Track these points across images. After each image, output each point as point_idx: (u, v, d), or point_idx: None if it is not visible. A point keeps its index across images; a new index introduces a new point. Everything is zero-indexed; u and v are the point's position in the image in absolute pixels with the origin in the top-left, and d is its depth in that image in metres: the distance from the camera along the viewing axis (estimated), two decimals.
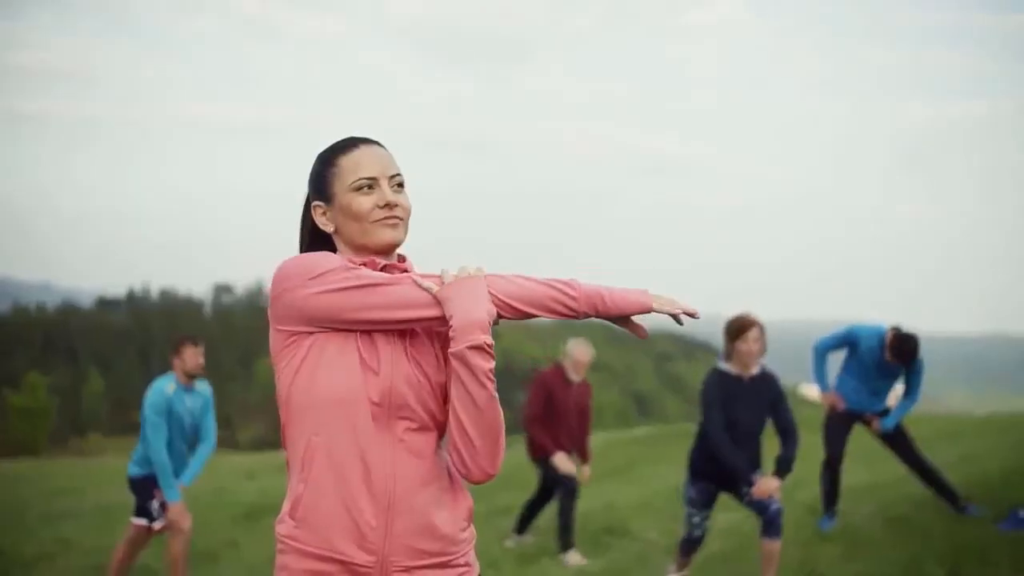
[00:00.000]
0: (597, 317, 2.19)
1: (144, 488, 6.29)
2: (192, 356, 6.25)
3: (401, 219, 2.20)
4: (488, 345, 2.06)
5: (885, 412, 7.11)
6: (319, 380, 2.10)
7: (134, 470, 6.35)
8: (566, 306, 2.15)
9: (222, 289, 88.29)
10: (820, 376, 7.18)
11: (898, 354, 6.79)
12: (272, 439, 40.98)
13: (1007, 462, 8.73)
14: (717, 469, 5.45)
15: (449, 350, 2.08)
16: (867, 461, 9.23)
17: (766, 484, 5.31)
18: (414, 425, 2.14)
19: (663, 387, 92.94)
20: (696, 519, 5.63)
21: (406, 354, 2.14)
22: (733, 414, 5.43)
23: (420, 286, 2.10)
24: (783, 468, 5.42)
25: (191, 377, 6.28)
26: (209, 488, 12.52)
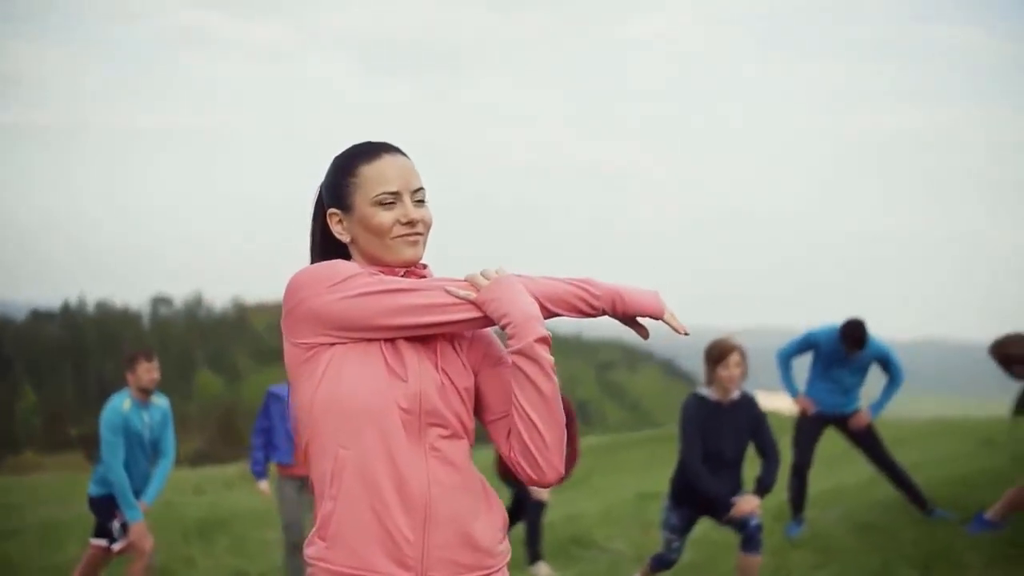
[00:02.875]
0: (612, 316, 2.14)
1: (104, 508, 6.09)
2: (146, 371, 6.06)
3: (422, 235, 2.12)
4: (550, 338, 2.00)
5: (854, 413, 7.12)
6: (344, 390, 2.00)
7: (94, 490, 6.15)
8: (589, 304, 2.10)
9: (160, 301, 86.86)
10: (788, 383, 7.20)
11: (851, 341, 6.87)
12: (213, 454, 40.31)
13: (966, 467, 8.84)
14: (697, 496, 5.39)
15: (511, 348, 2.00)
16: (830, 466, 9.29)
17: (746, 503, 5.26)
18: (446, 432, 2.05)
19: (604, 396, 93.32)
20: (675, 544, 5.57)
21: (432, 360, 2.06)
22: (716, 442, 5.35)
23: (448, 290, 2.02)
24: (763, 488, 5.37)
25: (146, 392, 6.09)
26: (157, 504, 12.23)
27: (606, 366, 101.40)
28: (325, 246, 2.19)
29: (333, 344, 2.01)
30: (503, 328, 2.01)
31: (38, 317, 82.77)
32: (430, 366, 2.05)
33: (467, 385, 2.10)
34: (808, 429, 7.18)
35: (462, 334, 2.13)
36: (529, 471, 2.05)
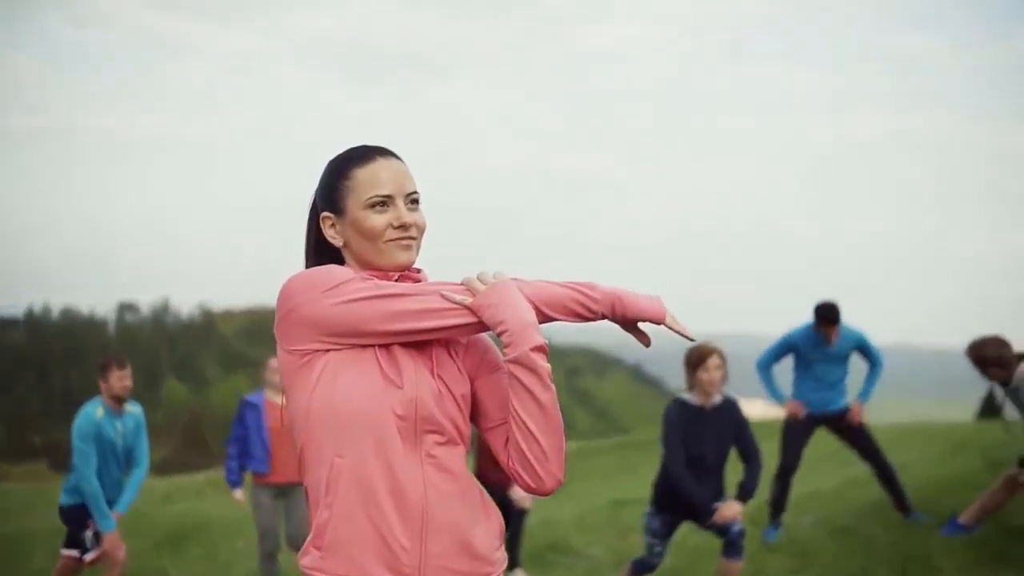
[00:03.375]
0: (611, 320, 2.12)
1: (76, 518, 6.00)
2: (118, 379, 5.98)
3: (415, 239, 2.09)
4: (547, 346, 1.98)
5: (845, 410, 7.13)
6: (339, 397, 1.96)
7: (65, 499, 6.06)
8: (588, 308, 2.08)
9: (126, 308, 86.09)
10: (772, 389, 7.19)
11: (825, 320, 6.89)
12: (180, 462, 40.00)
13: (938, 470, 8.90)
14: (680, 502, 5.38)
15: (507, 357, 1.97)
16: (805, 470, 9.30)
17: (728, 509, 5.25)
18: (442, 439, 2.02)
19: (573, 402, 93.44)
20: (657, 548, 5.56)
21: (428, 366, 2.04)
22: (699, 447, 5.34)
23: (444, 295, 2.00)
24: (746, 494, 5.36)
25: (119, 400, 6.01)
26: (126, 513, 12.10)
27: (574, 372, 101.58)
28: (319, 250, 2.17)
29: (328, 350, 1.98)
30: (499, 335, 1.99)
31: (2, 325, 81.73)
32: (426, 372, 2.02)
33: (463, 392, 2.07)
34: (797, 432, 7.17)
35: (458, 340, 2.11)
36: (528, 480, 2.02)
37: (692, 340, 2.17)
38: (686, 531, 7.39)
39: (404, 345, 2.02)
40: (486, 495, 2.12)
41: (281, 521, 6.84)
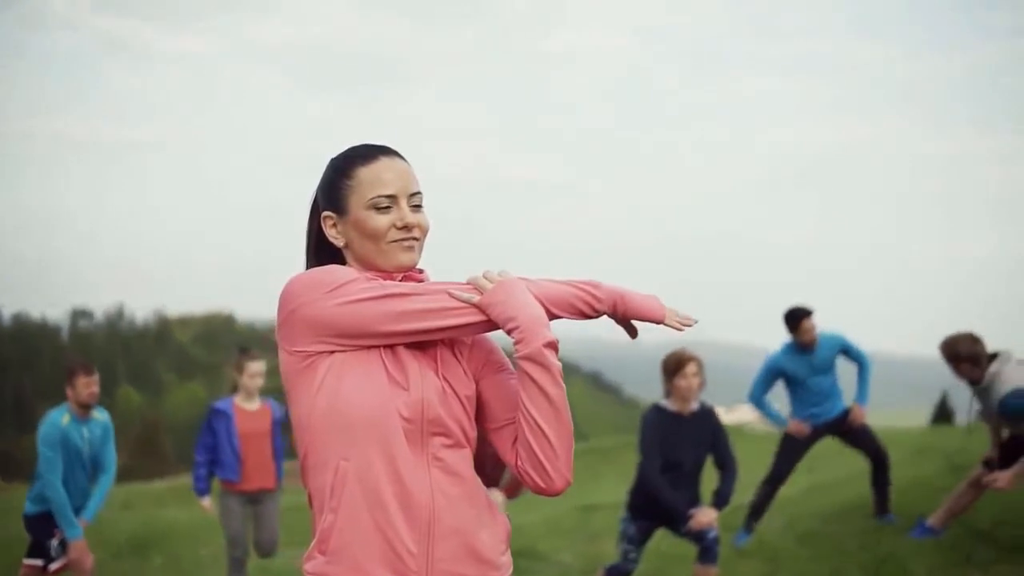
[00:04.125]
0: (611, 317, 2.12)
1: (41, 526, 5.89)
2: (85, 385, 5.88)
3: (418, 240, 2.06)
4: (558, 343, 1.96)
5: (845, 413, 7.12)
6: (344, 399, 1.93)
7: (30, 508, 5.95)
8: (591, 306, 2.07)
9: (80, 314, 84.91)
10: (772, 416, 7.20)
11: (796, 321, 6.93)
12: (136, 469, 39.44)
13: (900, 474, 8.97)
14: (656, 508, 5.39)
15: (519, 353, 1.94)
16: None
17: (704, 515, 5.27)
18: (449, 442, 1.99)
19: None
20: (633, 555, 5.57)
21: (433, 368, 2.01)
22: (676, 453, 5.35)
23: (451, 293, 1.98)
24: (721, 501, 5.38)
25: (86, 407, 5.92)
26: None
27: None
28: (319, 250, 2.14)
29: (332, 352, 1.95)
30: (509, 333, 1.96)
31: None
32: (431, 373, 2.00)
33: (469, 393, 2.05)
34: (796, 444, 7.16)
35: (462, 340, 2.09)
36: (537, 479, 1.99)
37: (695, 323, 2.15)
38: (658, 536, 7.42)
39: (409, 346, 2.00)
40: (492, 500, 2.09)
41: (249, 527, 6.76)
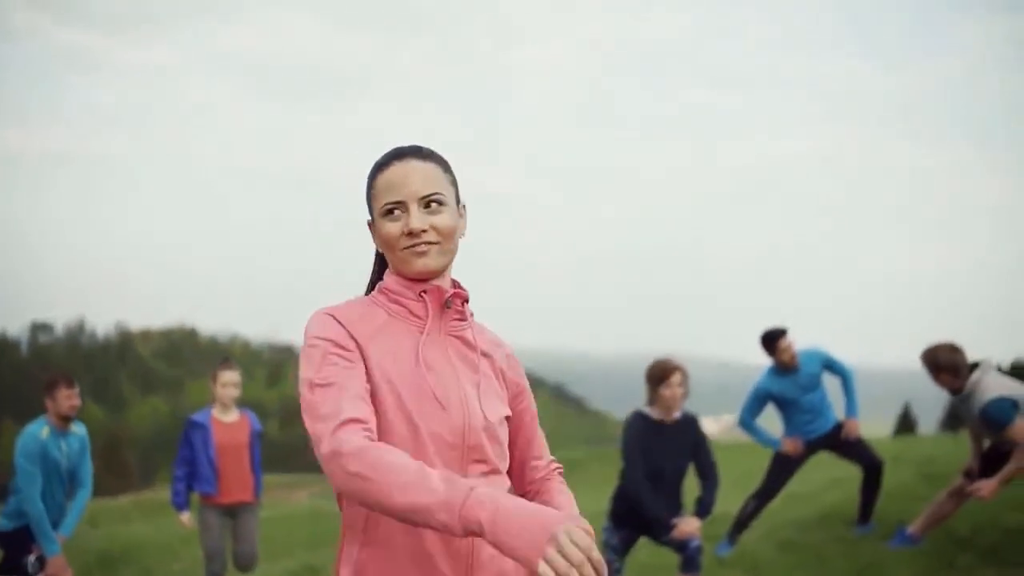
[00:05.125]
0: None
1: (18, 542, 5.79)
2: (66, 398, 5.81)
3: (434, 243, 1.96)
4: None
5: (837, 427, 7.14)
6: (383, 427, 1.87)
7: (5, 523, 5.84)
8: (435, 526, 1.69)
9: (40, 328, 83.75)
10: (765, 439, 7.18)
11: (770, 348, 6.97)
12: (100, 485, 38.91)
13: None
14: (639, 517, 5.39)
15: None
16: (744, 487, 9.40)
17: (687, 525, 5.27)
18: (487, 469, 1.95)
19: None
20: (616, 565, 5.57)
21: (476, 390, 1.97)
22: (658, 461, 5.35)
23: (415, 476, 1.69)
24: (704, 510, 5.39)
25: (66, 420, 5.84)
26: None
27: None
28: (379, 258, 2.14)
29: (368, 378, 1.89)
30: None
31: None
32: (474, 396, 1.95)
33: (506, 414, 2.02)
34: (790, 461, 7.15)
35: (500, 364, 2.06)
36: None
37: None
38: (639, 546, 7.43)
39: (449, 365, 1.96)
40: None
41: (228, 541, 6.69)
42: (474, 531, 1.62)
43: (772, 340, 6.97)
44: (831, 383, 7.25)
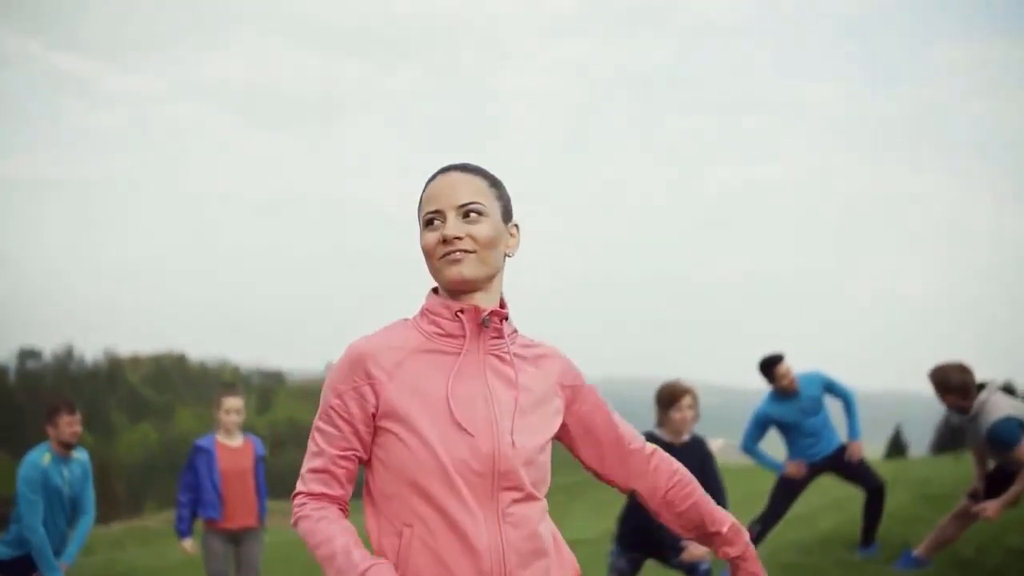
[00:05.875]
0: None
1: (18, 571, 5.74)
2: (68, 424, 5.79)
3: (469, 251, 1.93)
4: None
5: (840, 449, 7.13)
6: (405, 459, 1.88)
7: (5, 552, 5.79)
8: None
9: (28, 354, 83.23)
10: (767, 463, 7.20)
11: (769, 375, 6.98)
12: None
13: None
14: (646, 539, 5.37)
15: None
16: (745, 509, 9.39)
17: (697, 548, 5.25)
18: (520, 495, 1.92)
19: None
20: None
21: (511, 411, 1.94)
22: None
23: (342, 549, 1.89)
24: None
25: (68, 447, 5.82)
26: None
27: None
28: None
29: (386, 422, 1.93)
30: None
31: None
32: (506, 420, 1.92)
33: (548, 436, 2.00)
34: (794, 484, 7.16)
35: (552, 375, 2.04)
36: None
37: None
38: (645, 568, 7.40)
39: (480, 390, 1.93)
40: (559, 539, 2.03)
41: (231, 566, 6.64)
42: None
43: (770, 366, 6.99)
44: (833, 405, 7.26)
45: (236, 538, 6.57)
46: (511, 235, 2.03)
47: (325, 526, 1.88)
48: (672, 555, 5.30)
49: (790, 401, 7.01)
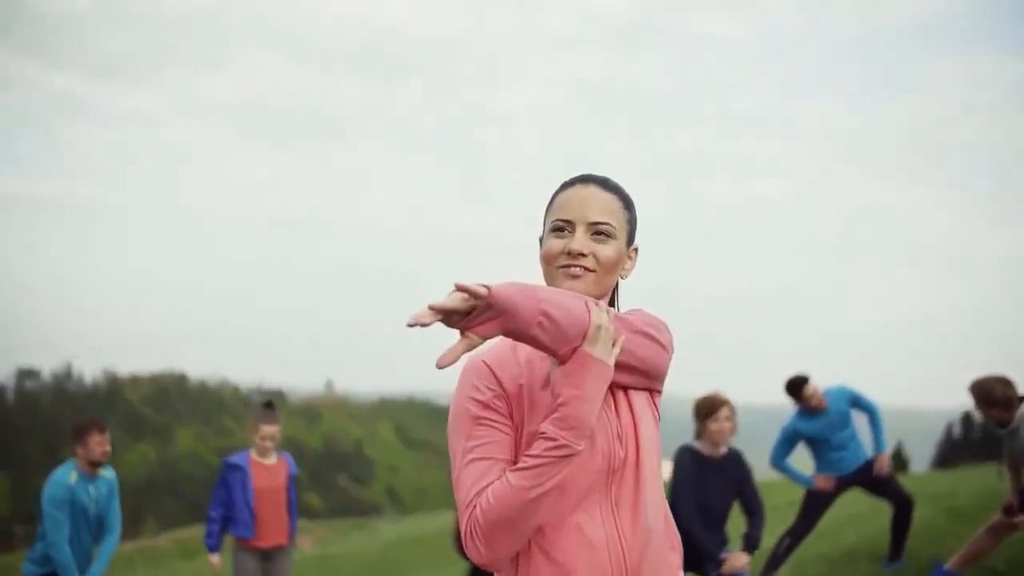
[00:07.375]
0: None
1: None
2: (98, 444, 5.76)
3: (589, 269, 1.93)
4: None
5: (869, 463, 7.12)
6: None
7: (31, 569, 5.76)
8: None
9: (26, 374, 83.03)
10: (797, 477, 7.20)
11: (796, 396, 6.98)
12: None
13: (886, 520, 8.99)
14: (686, 550, 5.33)
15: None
16: (770, 523, 9.34)
17: (736, 559, 5.23)
18: (630, 483, 1.89)
19: None
20: None
21: (628, 404, 1.92)
22: (705, 495, 5.33)
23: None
24: (751, 545, 5.36)
25: (96, 466, 5.78)
26: None
27: None
28: None
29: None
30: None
31: None
32: (626, 410, 1.91)
33: (650, 420, 1.96)
34: (822, 498, 7.16)
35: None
36: None
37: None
38: None
39: None
40: (671, 520, 2.00)
41: None
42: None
43: (797, 388, 7.00)
44: (857, 418, 7.24)
45: (267, 556, 6.52)
46: (629, 258, 2.04)
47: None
48: (712, 568, 5.26)
49: (819, 416, 7.00)
